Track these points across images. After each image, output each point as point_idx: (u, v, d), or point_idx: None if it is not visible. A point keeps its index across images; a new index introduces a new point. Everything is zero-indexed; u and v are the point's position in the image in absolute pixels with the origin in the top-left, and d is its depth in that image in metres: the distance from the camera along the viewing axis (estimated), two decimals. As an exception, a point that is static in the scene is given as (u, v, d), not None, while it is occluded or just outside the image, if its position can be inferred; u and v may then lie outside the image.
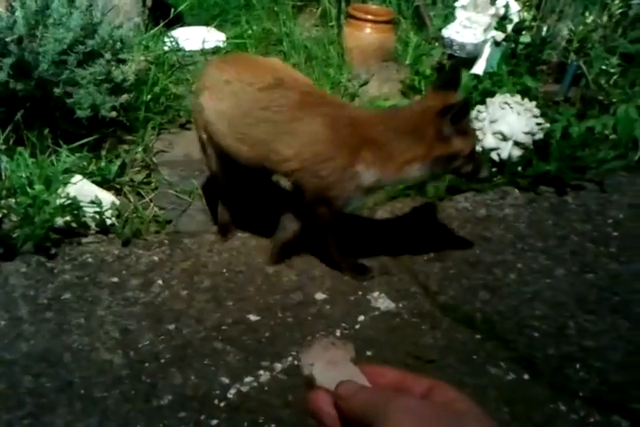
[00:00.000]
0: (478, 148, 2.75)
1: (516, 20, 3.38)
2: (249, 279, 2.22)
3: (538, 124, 2.77)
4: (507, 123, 2.74)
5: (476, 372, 1.79)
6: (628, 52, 3.30)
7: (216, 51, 4.11)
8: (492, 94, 2.98)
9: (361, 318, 2.04)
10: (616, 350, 1.87)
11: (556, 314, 2.02)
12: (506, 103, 2.81)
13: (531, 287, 2.16)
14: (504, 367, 1.81)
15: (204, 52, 3.98)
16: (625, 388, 1.74)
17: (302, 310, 2.08)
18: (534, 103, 2.84)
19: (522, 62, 3.32)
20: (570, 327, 1.96)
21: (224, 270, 2.26)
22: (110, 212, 2.40)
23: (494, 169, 2.77)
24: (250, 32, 4.35)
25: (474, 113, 2.90)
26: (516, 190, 2.72)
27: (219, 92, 2.08)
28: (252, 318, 2.04)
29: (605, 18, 3.41)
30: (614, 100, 3.14)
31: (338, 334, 1.97)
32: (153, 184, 2.70)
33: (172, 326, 1.99)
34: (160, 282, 2.19)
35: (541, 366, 1.81)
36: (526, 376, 1.78)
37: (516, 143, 2.75)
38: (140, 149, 2.82)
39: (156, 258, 2.31)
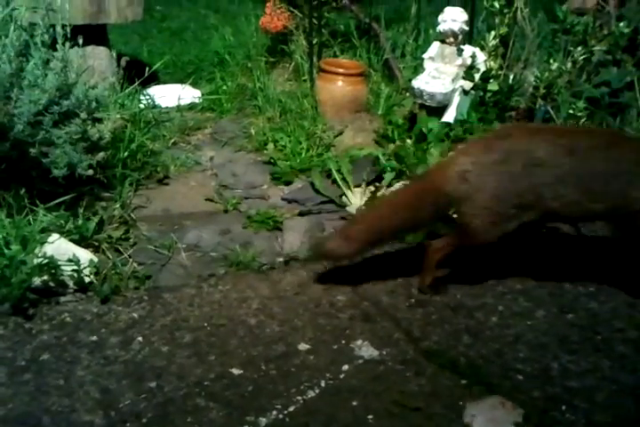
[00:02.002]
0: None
1: (482, 69, 3.50)
2: (231, 332, 2.19)
3: (509, 168, 2.83)
4: (479, 168, 2.79)
5: (462, 418, 1.77)
6: (593, 96, 3.43)
7: (192, 107, 4.20)
8: (464, 141, 3.05)
9: (345, 367, 2.02)
10: (600, 389, 1.86)
11: (539, 356, 2.02)
12: (477, 149, 2.87)
13: (512, 330, 2.16)
14: (491, 412, 1.79)
15: (179, 108, 4.06)
16: (612, 428, 1.73)
17: (286, 361, 2.05)
18: (505, 148, 2.91)
19: (491, 109, 3.42)
20: (553, 369, 1.96)
21: (205, 324, 2.23)
22: (88, 269, 2.38)
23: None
24: (225, 88, 4.46)
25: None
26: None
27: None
28: (235, 371, 2.01)
29: (569, 64, 3.54)
30: (583, 142, 3.22)
31: (322, 384, 1.94)
32: (131, 240, 2.69)
33: (153, 384, 1.95)
34: (140, 339, 2.15)
35: (528, 409, 1.79)
36: (514, 420, 1.76)
37: (490, 187, 2.80)
38: (117, 205, 2.83)
39: (135, 315, 2.28)
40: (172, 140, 3.70)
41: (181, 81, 4.56)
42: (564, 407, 1.80)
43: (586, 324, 2.18)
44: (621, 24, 3.53)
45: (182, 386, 1.94)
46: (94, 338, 2.16)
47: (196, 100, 4.30)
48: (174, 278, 2.51)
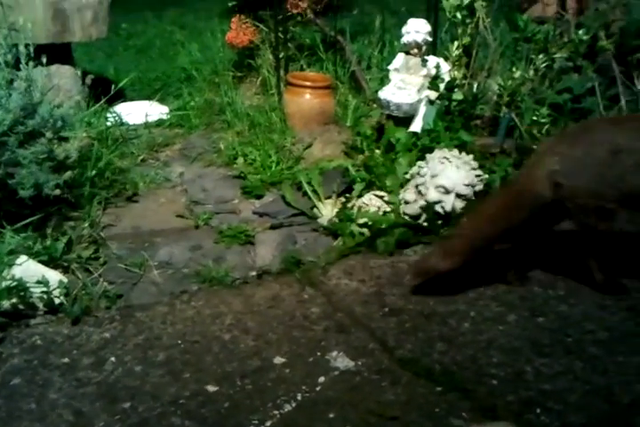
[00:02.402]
0: (422, 202, 2.84)
1: (447, 78, 3.55)
2: (205, 349, 2.18)
3: (477, 175, 2.87)
4: (447, 177, 2.83)
5: (439, 425, 1.78)
6: (556, 103, 3.49)
7: (160, 123, 4.18)
8: (431, 150, 3.08)
9: (321, 379, 2.01)
10: (573, 391, 1.88)
11: (513, 360, 2.04)
12: (445, 158, 2.91)
13: (485, 335, 2.17)
14: (467, 418, 1.80)
15: (147, 125, 4.04)
16: (586, 429, 1.75)
17: (261, 375, 2.04)
18: (472, 156, 2.95)
19: (456, 118, 3.46)
20: (527, 372, 1.97)
21: (179, 342, 2.21)
22: (58, 290, 2.35)
23: (440, 222, 2.84)
24: (192, 103, 4.46)
25: (415, 169, 2.99)
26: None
27: None
28: (211, 388, 1.99)
29: (532, 72, 3.60)
30: (547, 148, 3.28)
31: (299, 397, 1.93)
32: (101, 259, 2.67)
33: (127, 405, 1.93)
34: (113, 359, 2.13)
35: (503, 413, 1.80)
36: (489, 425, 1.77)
37: (458, 195, 2.83)
38: (86, 224, 2.80)
39: (107, 335, 2.25)
40: (141, 158, 3.68)
41: (149, 98, 4.56)
42: (538, 410, 1.81)
43: (557, 327, 2.20)
44: (580, 31, 3.60)
45: (157, 406, 1.92)
46: (66, 360, 2.13)
47: (164, 117, 4.29)
48: (146, 296, 2.49)
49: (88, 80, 3.52)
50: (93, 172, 3.13)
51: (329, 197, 3.10)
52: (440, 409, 1.84)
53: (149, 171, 3.49)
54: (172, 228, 3.02)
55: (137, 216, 3.09)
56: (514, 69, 3.57)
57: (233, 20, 4.80)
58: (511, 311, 2.30)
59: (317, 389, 1.97)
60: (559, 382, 1.93)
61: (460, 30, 3.68)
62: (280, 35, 4.37)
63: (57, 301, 2.35)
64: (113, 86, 3.85)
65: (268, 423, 1.84)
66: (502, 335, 2.17)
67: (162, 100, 4.56)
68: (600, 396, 1.87)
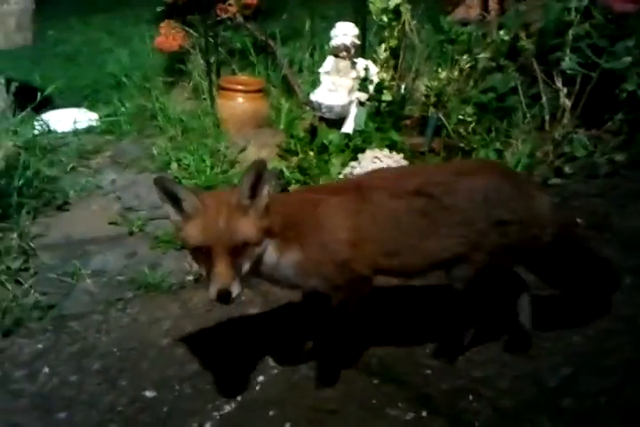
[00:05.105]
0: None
1: (376, 80, 3.62)
2: (142, 355, 2.16)
3: (407, 173, 2.94)
4: (378, 175, 2.88)
5: (376, 416, 1.82)
6: (480, 102, 3.60)
7: (89, 130, 4.11)
8: (363, 150, 3.14)
9: (260, 378, 2.02)
10: (503, 377, 1.95)
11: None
12: (376, 157, 2.98)
13: (419, 327, 2.22)
14: (403, 407, 1.84)
15: (76, 132, 3.97)
16: (515, 413, 1.81)
17: (200, 379, 2.04)
18: (402, 155, 3.03)
19: (386, 119, 3.53)
20: (459, 361, 2.03)
21: (115, 350, 2.19)
22: (-13, 303, 2.29)
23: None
24: (123, 110, 4.40)
25: (348, 169, 3.04)
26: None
27: None
28: (149, 394, 1.98)
29: (457, 72, 3.70)
30: (474, 145, 3.40)
31: (239, 398, 1.94)
32: (32, 270, 2.61)
33: (63, 415, 1.90)
34: (47, 370, 2.09)
35: (437, 401, 1.86)
36: (424, 413, 1.82)
37: (390, 194, 2.89)
38: (15, 235, 2.73)
39: (40, 346, 2.21)
40: (71, 166, 3.62)
41: (77, 105, 4.47)
42: (470, 397, 1.88)
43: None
44: (502, 32, 3.73)
45: (94, 414, 1.90)
46: (-2, 373, 2.07)
47: (94, 124, 4.22)
48: (80, 306, 2.45)
49: (13, 88, 3.44)
50: (21, 181, 3.06)
51: (264, 200, 3.10)
52: (377, 401, 1.88)
53: (80, 179, 3.43)
54: (105, 235, 2.97)
55: (68, 225, 3.03)
56: (439, 70, 3.66)
57: (162, 25, 4.77)
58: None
59: (257, 388, 1.99)
60: (489, 369, 1.99)
61: (387, 33, 3.75)
62: (210, 39, 4.36)
63: (-14, 313, 2.28)
64: (39, 94, 3.75)
65: (208, 425, 1.84)
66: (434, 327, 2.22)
67: (91, 107, 4.49)
68: (528, 381, 1.94)
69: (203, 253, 1.62)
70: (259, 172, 1.62)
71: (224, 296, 1.57)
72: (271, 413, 1.87)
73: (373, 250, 1.81)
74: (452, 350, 2.06)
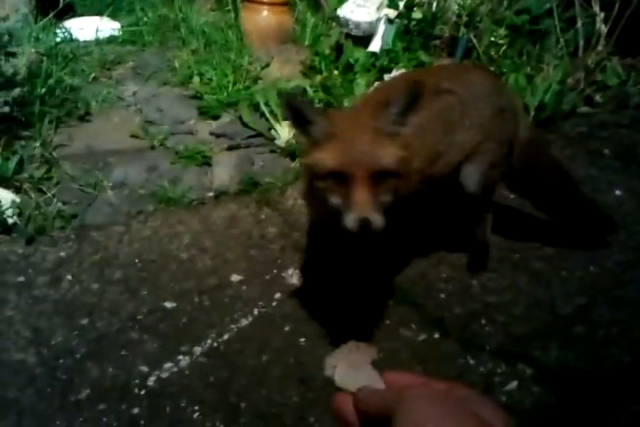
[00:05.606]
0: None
1: (407, -4, 3.47)
2: (162, 267, 2.20)
3: (434, 96, 2.86)
4: (405, 97, 2.81)
5: (389, 335, 1.86)
6: (514, 24, 3.45)
7: (111, 40, 4.03)
8: (390, 70, 3.06)
9: (277, 295, 2.06)
10: (517, 303, 1.98)
11: (461, 275, 2.11)
12: (403, 78, 2.88)
13: (435, 252, 2.24)
14: (415, 329, 1.89)
15: (98, 41, 3.89)
16: (527, 338, 1.85)
17: (219, 292, 2.08)
18: (430, 77, 2.93)
19: (415, 38, 3.41)
20: (474, 286, 2.06)
21: (136, 260, 2.23)
22: (11, 210, 2.33)
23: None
24: (145, 19, 4.28)
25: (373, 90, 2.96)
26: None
27: None
28: (168, 305, 2.03)
29: (491, -9, 3.54)
30: (504, 70, 3.28)
31: (255, 313, 1.99)
32: (54, 179, 2.63)
33: (84, 321, 1.96)
34: (69, 278, 2.14)
35: (450, 324, 1.90)
36: (436, 335, 1.86)
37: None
38: (37, 144, 2.74)
39: (63, 254, 2.25)
40: (92, 76, 3.56)
41: (99, 13, 4.34)
42: (483, 321, 1.91)
43: (505, 244, 2.26)
44: (541, -51, 3.51)
45: (115, 321, 1.96)
46: (21, 279, 2.13)
47: (116, 33, 4.12)
48: (102, 217, 2.48)
49: (34, -8, 3.35)
50: (43, 89, 3.03)
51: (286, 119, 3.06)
52: (390, 321, 1.92)
53: (102, 89, 3.38)
54: (126, 148, 2.97)
55: (90, 136, 3.02)
56: (474, -12, 3.50)
57: None
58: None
59: (273, 304, 2.03)
60: (504, 295, 2.02)
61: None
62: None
63: (10, 220, 2.32)
64: (61, 0, 3.65)
65: (226, 337, 1.90)
66: (451, 252, 2.23)
67: (113, 16, 4.36)
68: (542, 308, 1.97)
69: (336, 181, 1.43)
70: (415, 95, 1.42)
71: (365, 226, 1.38)
72: (286, 328, 1.92)
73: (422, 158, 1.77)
74: (481, 257, 2.14)
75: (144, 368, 1.80)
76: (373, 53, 3.38)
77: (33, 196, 2.48)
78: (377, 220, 1.38)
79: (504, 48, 3.36)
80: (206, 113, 3.25)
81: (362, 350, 0.78)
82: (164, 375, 1.78)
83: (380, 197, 1.42)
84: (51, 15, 3.61)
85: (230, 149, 2.95)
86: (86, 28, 3.97)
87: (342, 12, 3.51)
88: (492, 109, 1.88)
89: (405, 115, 1.45)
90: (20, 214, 2.36)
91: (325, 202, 1.47)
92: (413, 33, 3.44)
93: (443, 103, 1.81)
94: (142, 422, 1.65)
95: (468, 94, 1.86)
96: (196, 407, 1.68)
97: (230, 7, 4.24)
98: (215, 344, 1.88)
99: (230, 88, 3.39)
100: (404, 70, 2.94)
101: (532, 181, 2.09)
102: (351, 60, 3.30)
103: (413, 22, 3.45)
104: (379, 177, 1.41)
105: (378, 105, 1.48)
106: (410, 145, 1.51)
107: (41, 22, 3.64)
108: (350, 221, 1.39)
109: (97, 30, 3.93)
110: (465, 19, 3.45)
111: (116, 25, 4.21)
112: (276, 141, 2.98)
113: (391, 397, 0.67)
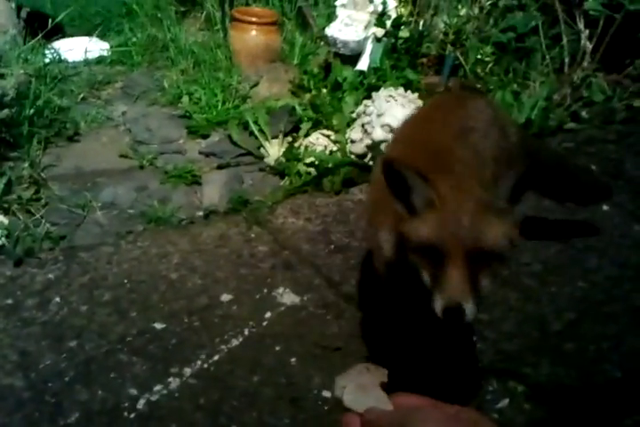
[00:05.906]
0: (368, 141, 2.84)
1: (394, 15, 3.51)
2: (152, 288, 2.19)
3: (422, 114, 2.88)
4: (392, 115, 2.82)
5: (378, 355, 1.85)
6: (500, 41, 3.49)
7: (100, 60, 4.04)
8: (378, 88, 3.07)
9: (268, 314, 2.06)
10: (507, 320, 1.98)
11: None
12: (391, 96, 2.91)
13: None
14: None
15: (87, 62, 3.90)
16: (517, 355, 1.85)
17: (209, 312, 2.07)
18: (417, 95, 2.96)
19: (403, 56, 3.44)
20: (464, 304, 2.05)
21: (125, 281, 2.22)
22: (-1, 232, 2.31)
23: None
24: (134, 40, 4.29)
25: (361, 107, 2.98)
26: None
27: None
28: (158, 326, 2.02)
29: (477, 10, 3.59)
30: (491, 86, 3.32)
31: (246, 333, 1.98)
32: (43, 200, 2.62)
33: (73, 344, 1.94)
34: (58, 299, 2.12)
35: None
36: (427, 354, 1.86)
37: (404, 134, 2.85)
38: (26, 164, 2.73)
39: (51, 275, 2.24)
40: (81, 96, 3.56)
41: (88, 33, 4.35)
42: (474, 338, 1.91)
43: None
44: (526, -32, 3.57)
45: (103, 343, 1.94)
46: (9, 301, 2.11)
47: (105, 53, 4.13)
48: (90, 237, 2.47)
49: (23, 14, 3.35)
50: (32, 110, 3.02)
51: (276, 137, 3.07)
52: (381, 340, 1.91)
53: (90, 110, 3.38)
54: (115, 168, 2.96)
55: (79, 156, 3.02)
56: (459, 7, 3.56)
57: (175, -49, 4.58)
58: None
59: (264, 324, 2.02)
60: (494, 311, 2.02)
61: (407, -34, 3.61)
62: (224, -33, 4.20)
63: (-2, 242, 2.31)
64: (50, 21, 3.66)
65: (216, 358, 1.89)
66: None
67: (102, 37, 4.37)
68: (533, 324, 1.97)
69: (430, 255, 1.24)
70: (530, 171, 1.22)
71: (454, 315, 1.18)
72: (277, 348, 1.91)
73: None
74: None
75: (133, 391, 1.78)
76: (361, 72, 3.40)
77: (21, 217, 2.47)
78: (469, 309, 1.18)
79: (490, 65, 3.40)
80: (195, 132, 3.26)
81: (372, 372, 0.79)
82: (154, 398, 1.76)
83: (479, 281, 1.22)
84: (39, 36, 3.61)
85: (220, 167, 2.96)
86: (75, 48, 3.97)
87: (330, 31, 3.54)
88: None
89: (520, 190, 1.24)
90: (7, 236, 2.34)
91: (415, 275, 1.29)
92: (401, 51, 3.47)
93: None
94: (132, 446, 1.63)
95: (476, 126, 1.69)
96: (187, 430, 1.67)
97: (219, 27, 4.27)
98: (205, 365, 1.86)
99: (219, 107, 3.41)
100: (391, 89, 2.96)
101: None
102: (339, 79, 3.33)
103: (401, 41, 3.49)
104: (480, 258, 1.21)
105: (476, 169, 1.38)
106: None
107: (30, 43, 3.64)
108: (438, 305, 1.20)
109: (86, 51, 3.94)
110: (452, 37, 3.49)
111: (105, 45, 4.22)
112: (266, 160, 2.99)
113: (399, 418, 0.66)
